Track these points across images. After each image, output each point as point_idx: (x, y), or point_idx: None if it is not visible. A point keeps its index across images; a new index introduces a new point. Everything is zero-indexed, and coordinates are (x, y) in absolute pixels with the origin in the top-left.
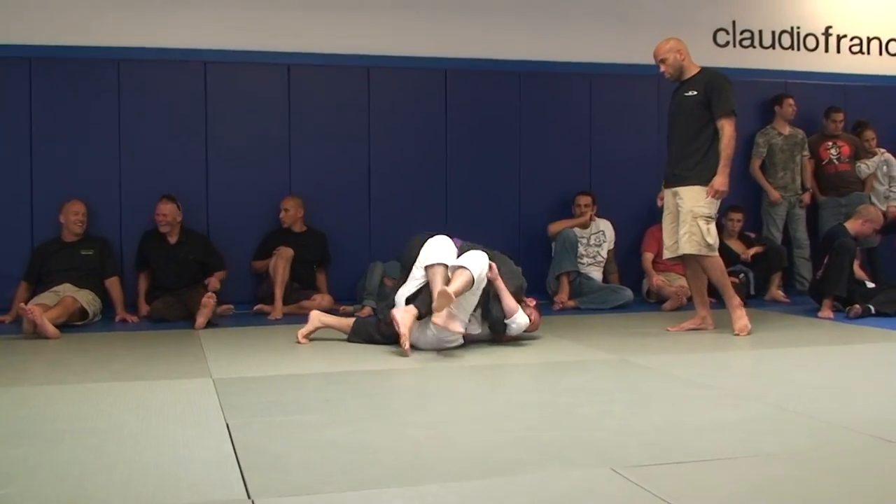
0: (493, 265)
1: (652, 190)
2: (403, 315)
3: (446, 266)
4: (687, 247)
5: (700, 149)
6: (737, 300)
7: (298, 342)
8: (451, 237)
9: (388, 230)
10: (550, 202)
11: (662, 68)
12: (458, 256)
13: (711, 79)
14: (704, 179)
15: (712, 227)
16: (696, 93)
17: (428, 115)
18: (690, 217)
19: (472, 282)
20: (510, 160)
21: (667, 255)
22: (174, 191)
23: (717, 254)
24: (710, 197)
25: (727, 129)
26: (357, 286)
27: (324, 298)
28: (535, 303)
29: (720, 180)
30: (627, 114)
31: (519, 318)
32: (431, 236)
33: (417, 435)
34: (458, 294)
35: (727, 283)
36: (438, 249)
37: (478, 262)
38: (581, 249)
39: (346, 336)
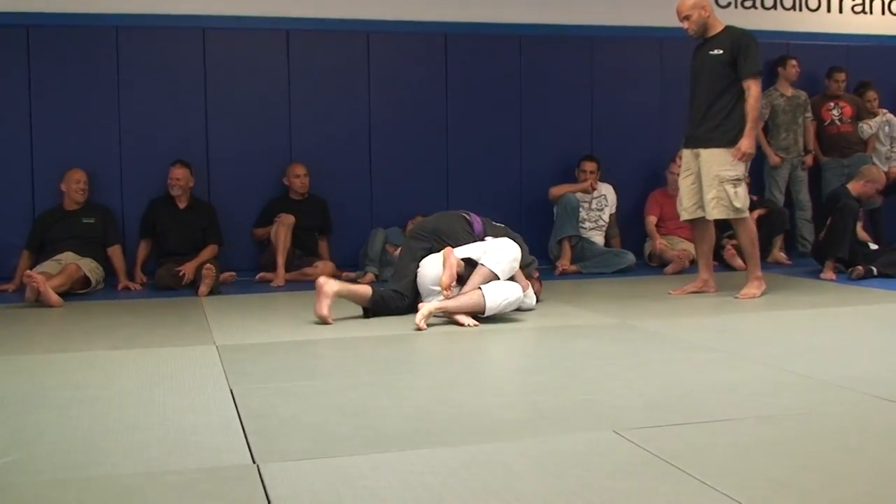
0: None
1: (654, 153)
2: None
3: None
4: (715, 212)
5: (724, 109)
6: (758, 272)
7: (326, 321)
8: (470, 217)
9: (389, 196)
10: (552, 166)
11: (686, 25)
12: (481, 239)
13: (738, 38)
14: (728, 141)
15: (741, 189)
16: (721, 52)
17: (428, 80)
18: (717, 182)
19: (481, 307)
20: (511, 124)
21: (684, 216)
22: (175, 158)
23: (748, 215)
24: (737, 160)
25: (753, 89)
26: (359, 253)
27: (325, 265)
28: (537, 274)
29: (747, 143)
30: (629, 77)
31: (528, 300)
32: (465, 217)
33: (422, 399)
34: (456, 311)
35: (756, 253)
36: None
37: (502, 288)
38: (583, 214)
39: (362, 308)
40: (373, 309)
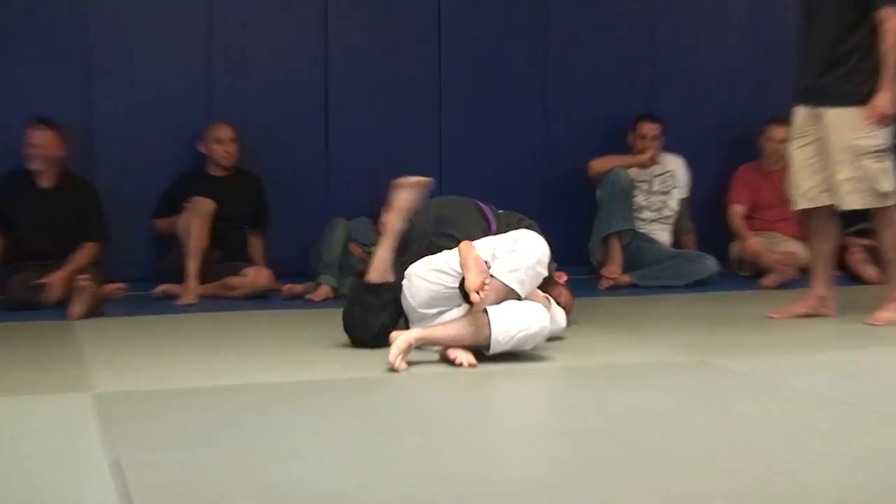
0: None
1: (742, 112)
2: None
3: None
4: (852, 199)
5: (852, 54)
6: None
7: (394, 368)
8: (480, 205)
9: (355, 174)
10: (590, 130)
11: None
12: (494, 235)
13: None
14: (862, 97)
15: (889, 165)
16: None
17: (412, 17)
18: (852, 155)
19: (485, 339)
20: (531, 73)
21: (800, 204)
22: (36, 116)
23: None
24: (873, 122)
25: (890, 23)
26: (309, 255)
27: (260, 273)
28: (564, 278)
29: (885, 99)
30: (705, 7)
31: (560, 321)
32: (478, 206)
33: (402, 475)
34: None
35: None
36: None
37: (519, 312)
38: (640, 199)
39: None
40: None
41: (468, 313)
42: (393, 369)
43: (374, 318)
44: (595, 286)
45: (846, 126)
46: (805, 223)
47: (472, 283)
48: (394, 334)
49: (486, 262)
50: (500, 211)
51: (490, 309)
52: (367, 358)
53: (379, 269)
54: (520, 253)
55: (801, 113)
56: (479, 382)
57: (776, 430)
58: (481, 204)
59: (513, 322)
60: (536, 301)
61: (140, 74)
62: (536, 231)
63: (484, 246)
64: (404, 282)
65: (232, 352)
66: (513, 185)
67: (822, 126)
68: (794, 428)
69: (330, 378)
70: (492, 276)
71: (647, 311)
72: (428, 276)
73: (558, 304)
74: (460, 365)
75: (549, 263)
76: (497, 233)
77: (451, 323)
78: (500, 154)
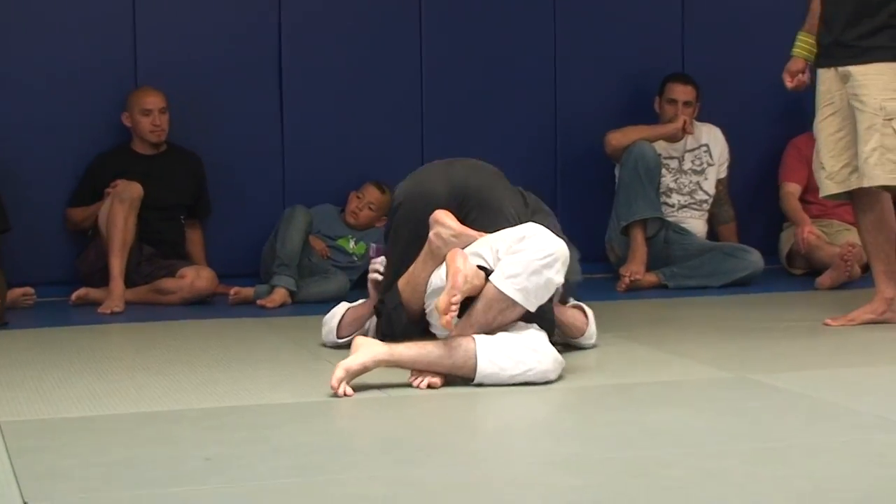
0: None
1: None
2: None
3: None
4: (877, 172)
5: (883, 5)
6: None
7: (335, 393)
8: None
9: (316, 153)
10: (607, 101)
11: None
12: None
13: None
14: (895, 53)
15: None
16: None
17: None
18: (881, 119)
19: (468, 370)
20: (535, 33)
21: (830, 189)
22: None
23: None
24: None
25: None
26: (262, 250)
27: (199, 274)
28: (583, 313)
29: None
30: None
31: (591, 331)
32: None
33: None
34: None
35: None
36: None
37: (515, 343)
38: (668, 180)
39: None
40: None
41: (451, 335)
42: (337, 394)
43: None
44: (613, 288)
45: (876, 85)
46: (859, 212)
47: (440, 303)
48: (357, 341)
49: (484, 269)
50: (523, 190)
51: (479, 339)
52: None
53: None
54: (525, 254)
55: (826, 76)
56: (469, 405)
57: (831, 462)
58: None
59: (506, 360)
60: (569, 317)
61: (47, 35)
62: (552, 225)
63: (486, 246)
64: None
65: (164, 371)
66: (516, 168)
67: (851, 88)
68: (852, 458)
69: (269, 402)
70: (488, 281)
71: (677, 317)
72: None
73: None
74: (417, 386)
75: (573, 271)
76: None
77: (426, 343)
78: (499, 131)
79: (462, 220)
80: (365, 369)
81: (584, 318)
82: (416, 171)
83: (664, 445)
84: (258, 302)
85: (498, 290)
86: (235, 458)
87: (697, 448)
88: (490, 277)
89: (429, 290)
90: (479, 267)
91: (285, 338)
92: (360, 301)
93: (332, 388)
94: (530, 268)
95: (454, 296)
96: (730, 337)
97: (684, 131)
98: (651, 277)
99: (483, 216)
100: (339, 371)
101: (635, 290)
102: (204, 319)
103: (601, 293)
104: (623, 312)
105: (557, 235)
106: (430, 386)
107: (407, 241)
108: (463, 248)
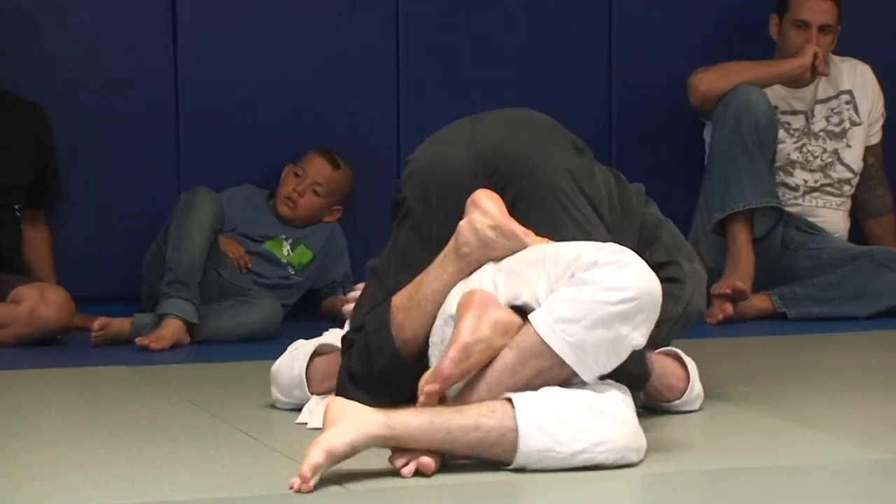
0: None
1: None
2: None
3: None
4: None
5: None
6: None
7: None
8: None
9: (228, 111)
10: (689, 20)
11: None
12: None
13: None
14: None
15: None
16: None
17: None
18: None
19: (503, 451)
20: None
21: None
22: None
23: None
24: None
25: None
26: (144, 261)
27: (44, 297)
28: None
29: None
30: None
31: (695, 392)
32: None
33: None
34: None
35: None
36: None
37: (579, 410)
38: (790, 147)
39: None
40: None
41: (467, 397)
42: (297, 489)
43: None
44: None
45: None
46: None
47: (426, 375)
48: (334, 407)
49: (521, 310)
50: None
51: (519, 399)
52: (244, 463)
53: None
54: (590, 290)
55: None
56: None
57: None
58: None
59: (564, 430)
60: (662, 370)
61: None
62: (666, 241)
63: (537, 265)
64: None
65: (71, 449)
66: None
67: None
68: None
69: (250, 494)
70: (528, 321)
71: (802, 366)
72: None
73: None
74: (404, 474)
75: (697, 299)
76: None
77: (442, 409)
78: (522, 74)
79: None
80: (353, 451)
81: (683, 373)
82: (437, 133)
83: None
84: (138, 341)
85: (539, 338)
86: None
87: None
88: (531, 316)
89: (442, 316)
90: (515, 308)
91: (183, 400)
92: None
93: (299, 479)
94: (595, 314)
95: (443, 377)
96: (885, 397)
97: (816, 71)
98: (760, 301)
99: (523, 201)
100: (317, 454)
101: (737, 322)
102: (52, 368)
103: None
104: (718, 357)
105: (675, 256)
106: (420, 471)
107: (410, 239)
108: (501, 258)
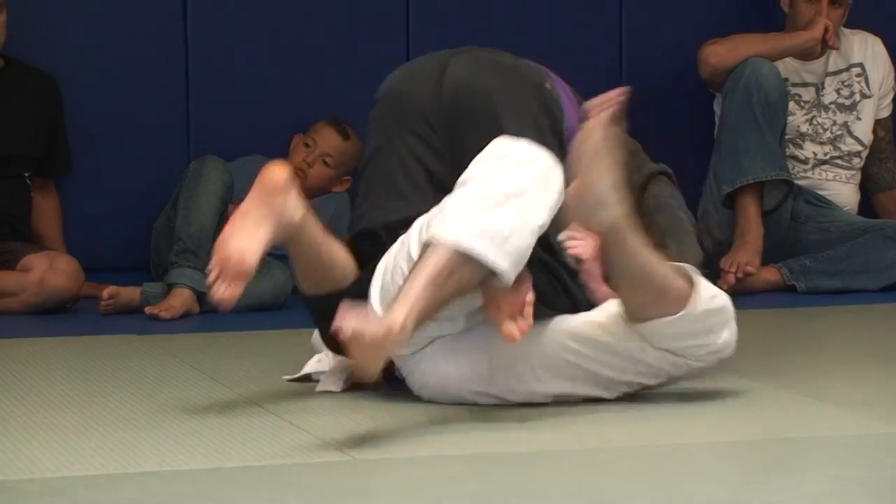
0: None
1: None
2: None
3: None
4: None
5: None
6: None
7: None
8: (553, 84)
9: (238, 80)
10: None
11: None
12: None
13: None
14: None
15: None
16: None
17: None
18: None
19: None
20: None
21: None
22: None
23: None
24: None
25: None
26: (153, 231)
27: (54, 266)
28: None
29: None
30: None
31: (699, 307)
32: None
33: None
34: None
35: None
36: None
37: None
38: (800, 119)
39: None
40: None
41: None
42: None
43: None
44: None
45: None
46: None
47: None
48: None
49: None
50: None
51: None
52: (261, 437)
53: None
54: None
55: None
56: (553, 470)
57: None
58: (559, 86)
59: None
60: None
61: None
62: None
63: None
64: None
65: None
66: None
67: None
68: None
69: (258, 463)
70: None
71: (811, 338)
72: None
73: None
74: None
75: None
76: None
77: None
78: (531, 44)
79: (449, 144)
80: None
81: (685, 284)
82: (410, 62)
83: None
84: (147, 310)
85: (444, 243)
86: None
87: None
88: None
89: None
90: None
91: (192, 369)
92: None
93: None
94: (486, 199)
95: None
96: (894, 369)
97: (826, 43)
98: (770, 274)
99: (473, 139)
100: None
101: (745, 294)
102: (61, 337)
103: None
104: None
105: (664, 240)
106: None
107: (377, 171)
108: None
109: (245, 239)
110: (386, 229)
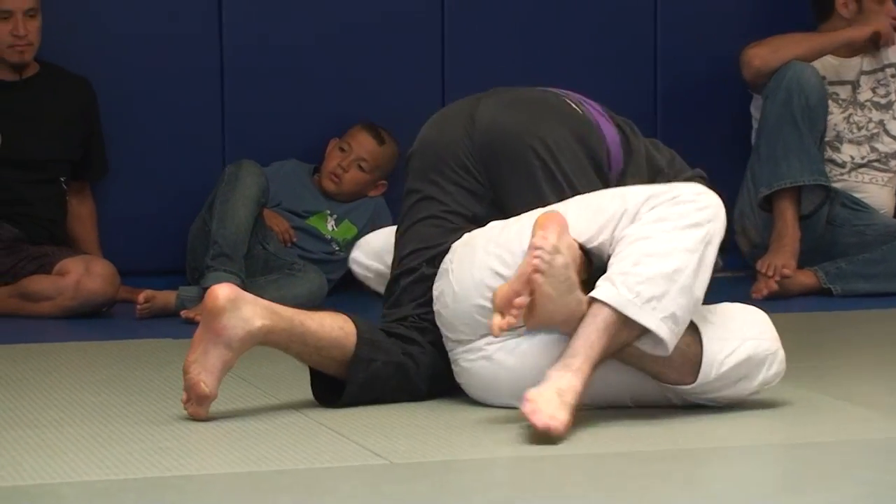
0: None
1: None
2: None
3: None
4: None
5: None
6: None
7: (195, 414)
8: (584, 107)
9: (273, 85)
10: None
11: None
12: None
13: None
14: None
15: None
16: None
17: None
18: None
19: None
20: None
21: None
22: None
23: None
24: None
25: None
26: (189, 235)
27: (90, 270)
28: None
29: None
30: None
31: (707, 380)
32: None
33: None
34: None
35: None
36: None
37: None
38: (837, 118)
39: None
40: (357, 386)
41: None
42: None
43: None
44: (746, 292)
45: None
46: None
47: (498, 293)
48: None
49: (582, 249)
50: (622, 120)
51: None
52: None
53: None
54: (674, 239)
55: None
56: (590, 476)
57: None
58: (584, 102)
59: (733, 331)
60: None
61: None
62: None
63: (588, 213)
64: (450, 264)
65: (32, 425)
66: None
67: None
68: None
69: (298, 466)
70: (592, 299)
71: (846, 341)
72: (488, 254)
73: None
74: (545, 429)
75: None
76: (619, 165)
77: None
78: (564, 49)
79: (489, 186)
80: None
81: (697, 350)
82: (441, 110)
83: None
84: (183, 314)
85: (612, 308)
86: None
87: None
88: (602, 283)
89: (457, 288)
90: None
91: (230, 373)
92: None
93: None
94: (688, 268)
95: (545, 275)
96: None
97: (883, 40)
98: (806, 277)
99: (513, 178)
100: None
101: (781, 297)
102: (97, 341)
103: (728, 298)
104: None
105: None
106: (551, 430)
107: (413, 220)
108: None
109: (200, 366)
110: (427, 263)
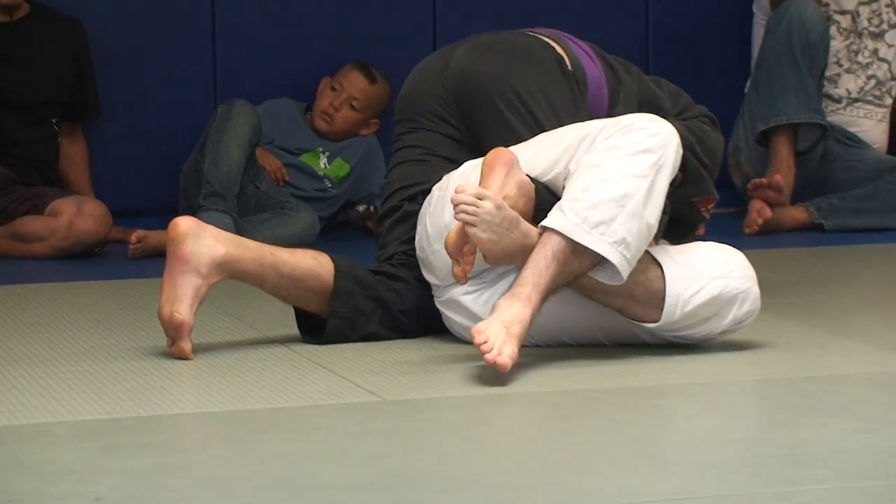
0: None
1: None
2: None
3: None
4: None
5: None
6: None
7: (179, 350)
8: (566, 42)
9: (265, 22)
10: None
11: None
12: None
13: None
14: None
15: None
16: None
17: None
18: None
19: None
20: None
21: None
22: None
23: None
24: None
25: None
26: (181, 174)
27: (82, 210)
28: (709, 205)
29: None
30: None
31: (672, 316)
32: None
33: None
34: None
35: None
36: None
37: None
38: (838, 44)
39: (295, 314)
40: (339, 319)
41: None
42: None
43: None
44: (738, 227)
45: None
46: None
47: (447, 242)
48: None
49: (533, 184)
50: (616, 59)
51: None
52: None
53: None
54: (623, 166)
55: None
56: (576, 414)
57: None
58: (563, 38)
59: (700, 270)
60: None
61: None
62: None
63: (548, 147)
64: (431, 201)
65: (25, 365)
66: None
67: None
68: None
69: (276, 405)
70: (543, 228)
71: (838, 277)
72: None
73: None
74: (492, 364)
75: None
76: (604, 102)
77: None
78: None
79: (466, 132)
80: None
81: (661, 286)
82: (423, 59)
83: (819, 479)
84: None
85: (562, 235)
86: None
87: (866, 479)
88: (553, 212)
89: (431, 230)
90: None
91: (221, 312)
92: None
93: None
94: (634, 199)
95: (476, 225)
96: None
97: None
98: (798, 213)
99: (485, 122)
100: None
101: (772, 233)
102: (90, 281)
103: (720, 234)
104: (755, 268)
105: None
106: (499, 365)
107: (396, 163)
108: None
109: (172, 299)
110: (409, 200)
